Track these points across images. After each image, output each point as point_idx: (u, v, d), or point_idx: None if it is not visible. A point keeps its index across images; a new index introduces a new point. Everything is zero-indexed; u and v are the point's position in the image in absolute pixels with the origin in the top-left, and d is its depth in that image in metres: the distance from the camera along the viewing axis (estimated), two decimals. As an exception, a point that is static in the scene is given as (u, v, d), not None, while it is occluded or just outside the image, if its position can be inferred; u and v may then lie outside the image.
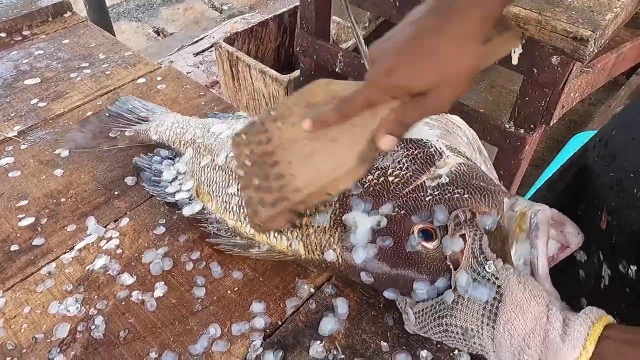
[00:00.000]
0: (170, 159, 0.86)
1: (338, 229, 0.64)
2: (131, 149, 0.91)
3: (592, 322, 0.47)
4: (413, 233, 0.60)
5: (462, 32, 0.49)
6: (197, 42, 2.95)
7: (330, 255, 0.64)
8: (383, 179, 0.62)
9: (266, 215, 0.57)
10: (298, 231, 0.66)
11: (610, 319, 0.49)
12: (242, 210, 0.72)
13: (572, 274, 0.69)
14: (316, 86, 0.60)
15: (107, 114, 0.94)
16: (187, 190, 0.79)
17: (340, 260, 0.64)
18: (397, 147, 0.62)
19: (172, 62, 2.75)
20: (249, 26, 2.25)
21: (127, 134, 0.90)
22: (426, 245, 0.59)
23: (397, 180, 0.63)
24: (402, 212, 0.61)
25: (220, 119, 0.90)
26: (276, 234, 0.69)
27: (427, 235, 0.59)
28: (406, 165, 0.63)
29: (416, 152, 0.66)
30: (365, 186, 0.63)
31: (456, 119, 0.76)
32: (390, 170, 0.63)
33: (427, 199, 0.61)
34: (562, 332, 0.48)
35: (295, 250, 0.68)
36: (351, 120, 0.55)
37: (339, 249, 0.64)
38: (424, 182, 0.63)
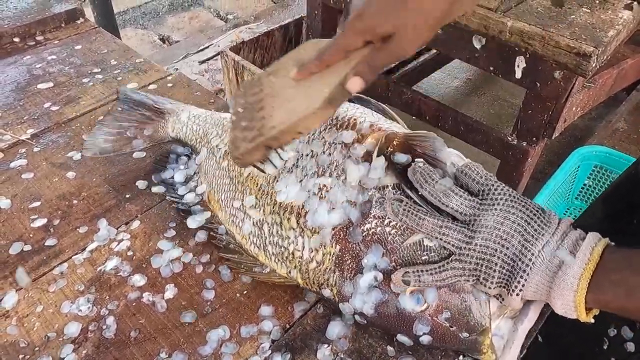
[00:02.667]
0: (187, 155, 0.87)
1: (336, 272, 0.65)
2: (148, 150, 0.92)
3: (596, 240, 0.54)
4: (405, 293, 0.61)
5: None
6: (202, 50, 2.98)
7: (327, 293, 0.67)
8: (380, 228, 0.62)
9: (244, 148, 0.61)
10: (297, 262, 0.68)
11: (608, 240, 0.54)
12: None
13: None
14: (306, 45, 0.66)
15: (119, 109, 0.92)
16: (199, 194, 0.80)
17: (336, 299, 0.66)
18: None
19: (177, 69, 2.77)
20: (255, 35, 2.28)
21: (145, 132, 0.89)
22: (416, 309, 0.60)
23: (393, 231, 0.62)
24: (398, 267, 0.61)
25: None
26: (277, 260, 0.70)
27: (418, 297, 0.60)
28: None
29: None
30: (364, 234, 0.63)
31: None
32: (387, 220, 0.62)
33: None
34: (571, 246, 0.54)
35: (293, 279, 0.70)
36: (329, 69, 0.59)
37: (335, 289, 0.66)
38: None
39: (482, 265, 0.56)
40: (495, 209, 0.56)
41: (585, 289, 0.51)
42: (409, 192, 0.61)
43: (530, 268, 0.54)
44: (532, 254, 0.54)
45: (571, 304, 0.52)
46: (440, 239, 0.58)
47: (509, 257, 0.55)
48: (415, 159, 0.62)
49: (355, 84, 0.57)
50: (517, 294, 0.55)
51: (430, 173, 0.59)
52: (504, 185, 0.59)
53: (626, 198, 0.83)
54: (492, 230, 0.55)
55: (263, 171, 0.68)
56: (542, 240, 0.54)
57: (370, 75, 0.57)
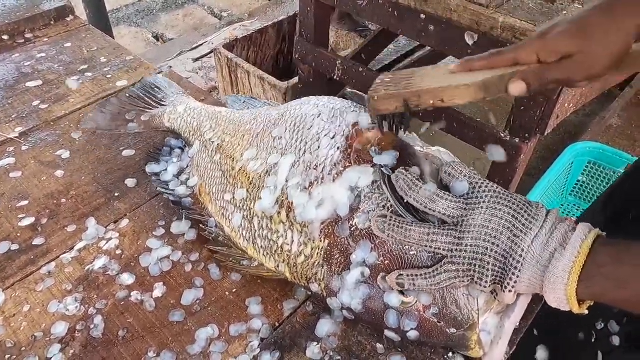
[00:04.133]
0: (181, 148, 0.88)
1: (324, 266, 0.65)
2: (138, 148, 0.92)
3: (586, 232, 0.53)
4: (392, 289, 0.60)
5: (617, 21, 0.57)
6: (196, 47, 2.97)
7: (315, 287, 0.66)
8: (368, 223, 0.62)
9: (383, 92, 0.62)
10: (285, 256, 0.68)
11: (599, 231, 0.54)
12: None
13: None
14: None
15: (127, 94, 0.96)
16: (191, 187, 0.80)
17: (324, 294, 0.66)
18: (382, 191, 0.62)
19: (170, 67, 2.75)
20: (248, 33, 2.27)
21: (142, 118, 0.91)
22: (404, 300, 0.60)
23: None
24: (386, 262, 0.61)
25: (238, 105, 0.90)
26: (265, 253, 0.70)
27: (405, 292, 0.60)
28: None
29: None
30: (352, 229, 0.63)
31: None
32: (374, 214, 0.62)
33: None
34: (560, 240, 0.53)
35: (282, 272, 0.69)
36: (491, 71, 0.60)
37: (323, 284, 0.65)
38: None
39: (475, 265, 0.55)
40: (482, 207, 0.56)
41: (575, 282, 0.51)
42: (391, 197, 0.60)
43: (522, 264, 0.53)
44: (522, 250, 0.53)
45: (563, 297, 0.52)
46: (430, 247, 0.57)
47: (500, 254, 0.54)
48: (399, 168, 0.61)
49: (518, 87, 0.58)
50: (510, 290, 0.55)
51: (413, 179, 0.59)
52: (488, 181, 0.58)
53: (628, 196, 0.83)
54: (480, 229, 0.55)
55: (382, 130, 0.66)
56: (531, 234, 0.54)
57: (535, 84, 0.58)
